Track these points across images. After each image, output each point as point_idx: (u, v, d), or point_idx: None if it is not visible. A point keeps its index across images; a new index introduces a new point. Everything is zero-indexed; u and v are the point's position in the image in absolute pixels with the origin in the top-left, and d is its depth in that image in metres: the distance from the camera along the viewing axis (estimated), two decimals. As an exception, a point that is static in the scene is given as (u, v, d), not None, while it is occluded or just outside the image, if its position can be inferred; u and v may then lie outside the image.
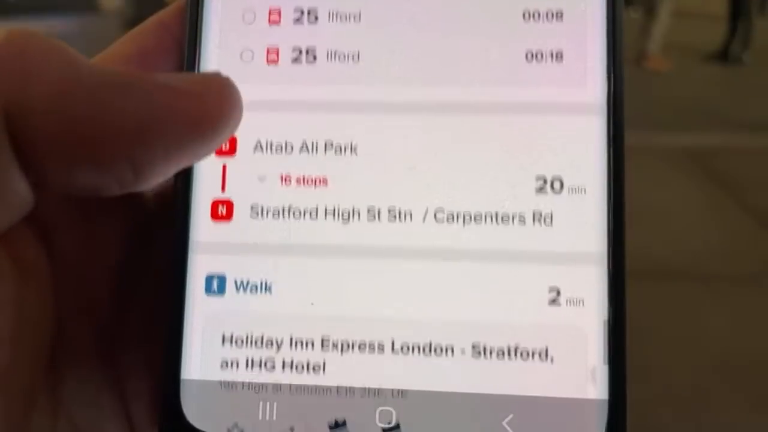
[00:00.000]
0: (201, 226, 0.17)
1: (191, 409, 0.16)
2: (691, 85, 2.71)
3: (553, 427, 0.16)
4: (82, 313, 0.16)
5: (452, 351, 0.16)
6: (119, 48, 0.16)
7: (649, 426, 0.90)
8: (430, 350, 0.16)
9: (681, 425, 0.93)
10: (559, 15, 0.17)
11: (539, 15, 0.17)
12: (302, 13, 0.17)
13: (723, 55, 3.19)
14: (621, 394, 0.16)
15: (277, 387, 0.16)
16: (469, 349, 0.16)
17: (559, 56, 0.17)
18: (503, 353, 0.16)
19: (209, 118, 0.13)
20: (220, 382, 0.16)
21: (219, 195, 0.17)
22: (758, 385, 1.01)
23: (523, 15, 0.17)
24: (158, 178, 0.13)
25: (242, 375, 0.16)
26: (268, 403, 0.16)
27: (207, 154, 0.13)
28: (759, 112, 2.29)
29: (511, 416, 0.16)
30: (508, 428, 0.16)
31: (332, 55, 0.17)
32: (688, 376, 1.02)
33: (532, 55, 0.17)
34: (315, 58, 0.17)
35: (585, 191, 0.16)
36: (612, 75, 0.16)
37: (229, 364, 0.16)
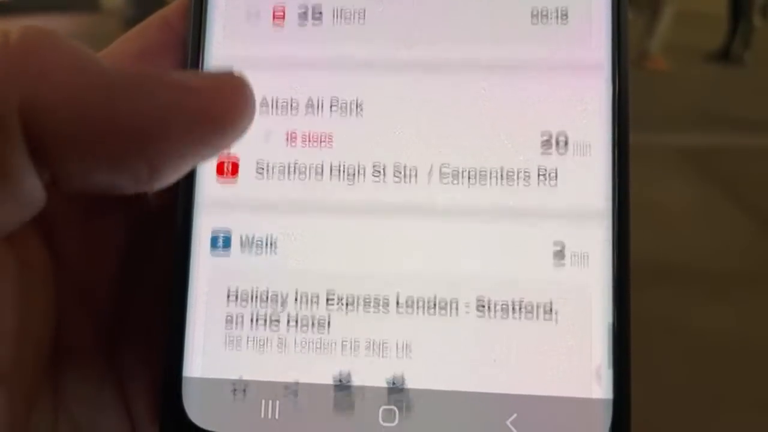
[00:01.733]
0: (206, 183, 0.17)
1: (193, 407, 0.16)
2: (691, 85, 2.71)
3: (558, 425, 0.16)
4: (83, 311, 0.16)
5: (457, 306, 0.16)
6: (121, 46, 0.16)
7: (649, 425, 0.90)
8: (435, 305, 0.16)
9: (680, 424, 0.93)
10: None
11: None
12: None
13: (724, 55, 3.19)
14: (625, 393, 0.16)
15: (282, 342, 0.16)
16: (473, 304, 0.16)
17: (564, 15, 0.17)
18: (507, 308, 0.16)
19: (224, 114, 0.13)
20: (225, 338, 0.16)
21: (224, 152, 0.17)
22: (759, 384, 1.00)
23: None
24: (174, 176, 0.13)
25: (247, 331, 0.16)
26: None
27: (222, 150, 0.14)
28: (760, 112, 2.29)
29: (515, 415, 0.16)
30: (512, 428, 0.16)
31: (338, 13, 0.17)
32: (688, 375, 1.02)
33: (538, 13, 0.17)
34: (320, 15, 0.17)
35: (590, 148, 0.16)
36: (617, 33, 0.17)
37: (234, 321, 0.16)
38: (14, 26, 0.12)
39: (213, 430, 0.16)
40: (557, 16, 0.17)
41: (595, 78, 0.17)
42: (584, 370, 0.16)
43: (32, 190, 0.12)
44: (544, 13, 0.17)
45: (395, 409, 0.16)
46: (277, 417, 0.16)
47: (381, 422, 0.16)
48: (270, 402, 0.16)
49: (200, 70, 0.17)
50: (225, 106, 0.13)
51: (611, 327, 0.16)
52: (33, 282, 0.14)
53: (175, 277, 0.17)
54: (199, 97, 0.13)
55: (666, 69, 2.93)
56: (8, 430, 0.13)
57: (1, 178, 0.11)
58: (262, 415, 0.16)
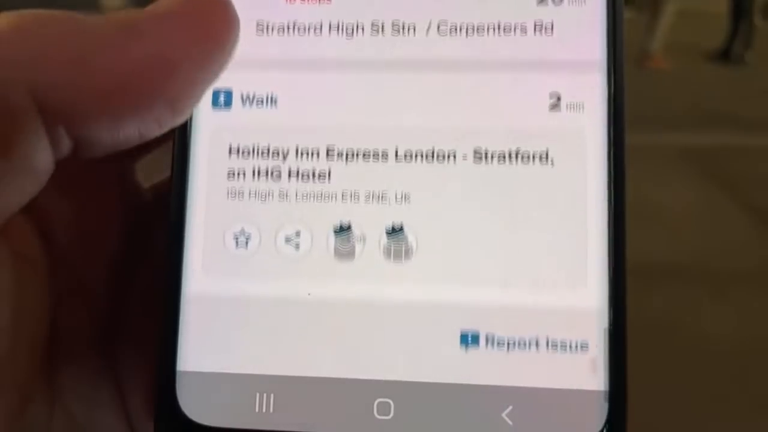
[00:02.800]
0: None
1: (188, 402, 0.16)
2: (693, 85, 2.71)
3: (554, 417, 0.16)
4: (78, 305, 0.16)
5: (454, 156, 0.16)
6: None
7: (649, 425, 0.90)
8: (434, 156, 0.17)
9: (681, 424, 0.93)
10: None
11: None
12: None
13: (725, 55, 3.19)
14: (622, 385, 0.16)
15: (284, 194, 0.17)
16: (471, 155, 0.16)
17: None
18: (504, 156, 0.16)
19: (220, 33, 0.13)
20: (227, 191, 0.17)
21: None
22: (760, 383, 1.00)
23: None
24: (191, 107, 0.13)
25: (249, 183, 0.17)
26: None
27: (224, 67, 0.14)
28: (761, 111, 2.29)
29: (510, 408, 0.16)
30: (508, 420, 0.16)
31: None
32: (688, 374, 1.02)
33: None
34: None
35: (584, 0, 0.17)
36: None
37: (236, 174, 0.17)
38: (18, 13, 0.12)
39: (208, 424, 0.16)
40: None
41: None
42: (579, 174, 0.16)
43: (41, 162, 0.12)
44: None
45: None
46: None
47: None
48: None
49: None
50: (217, 24, 0.13)
51: (608, 322, 0.16)
52: (27, 275, 0.14)
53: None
54: (195, 23, 0.13)
55: (667, 68, 2.93)
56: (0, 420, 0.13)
57: (18, 158, 0.12)
58: (257, 408, 0.16)
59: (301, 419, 0.16)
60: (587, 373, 0.16)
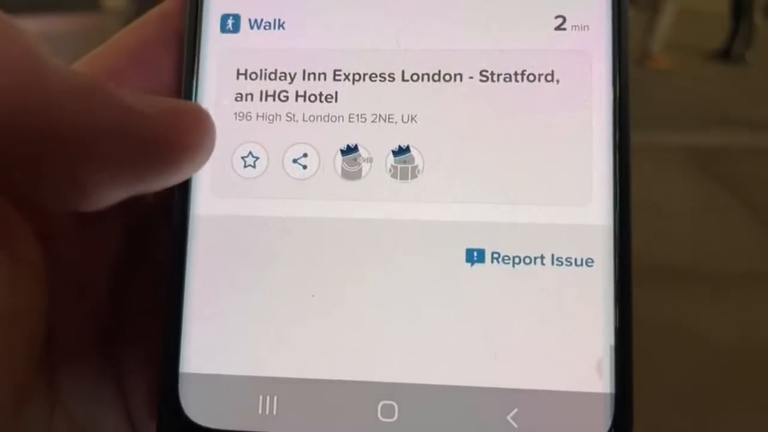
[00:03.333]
0: None
1: (191, 404, 0.16)
2: (693, 84, 2.71)
3: (559, 420, 0.16)
4: (80, 309, 0.15)
5: (461, 77, 0.17)
6: (119, 40, 0.16)
7: (651, 425, 0.90)
8: (439, 77, 0.17)
9: (681, 424, 0.93)
10: None
11: None
12: None
13: (725, 54, 3.19)
14: (627, 387, 0.16)
15: (291, 115, 0.17)
16: (477, 75, 0.17)
17: None
18: (510, 76, 0.17)
19: (173, 145, 0.12)
20: (235, 114, 0.17)
21: None
22: (761, 384, 1.00)
23: None
24: (105, 201, 0.12)
25: (256, 105, 0.17)
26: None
27: (166, 184, 0.13)
28: (761, 111, 2.29)
29: (515, 410, 0.16)
30: (513, 423, 0.16)
31: None
32: (690, 374, 1.02)
33: None
34: None
35: None
36: None
37: (243, 97, 0.17)
38: None
39: (211, 426, 0.16)
40: None
41: None
42: (584, 92, 0.16)
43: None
44: None
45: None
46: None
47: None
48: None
49: (196, 62, 0.17)
50: (176, 136, 0.12)
51: (614, 322, 0.16)
52: (25, 276, 0.13)
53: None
54: (146, 124, 0.12)
55: (668, 68, 2.93)
56: None
57: None
58: (260, 410, 0.16)
59: (305, 422, 0.16)
60: (593, 375, 0.16)
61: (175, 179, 0.13)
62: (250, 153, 0.17)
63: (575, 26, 0.17)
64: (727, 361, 1.06)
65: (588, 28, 0.17)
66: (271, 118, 0.17)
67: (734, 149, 1.98)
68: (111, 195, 0.12)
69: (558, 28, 0.17)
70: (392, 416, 0.16)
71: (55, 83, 0.11)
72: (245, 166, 0.17)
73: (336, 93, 0.17)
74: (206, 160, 0.13)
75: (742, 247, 1.44)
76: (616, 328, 0.16)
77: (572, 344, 0.16)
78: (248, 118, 0.17)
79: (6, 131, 0.11)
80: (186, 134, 0.12)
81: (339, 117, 0.17)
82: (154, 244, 0.17)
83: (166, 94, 0.16)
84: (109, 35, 0.17)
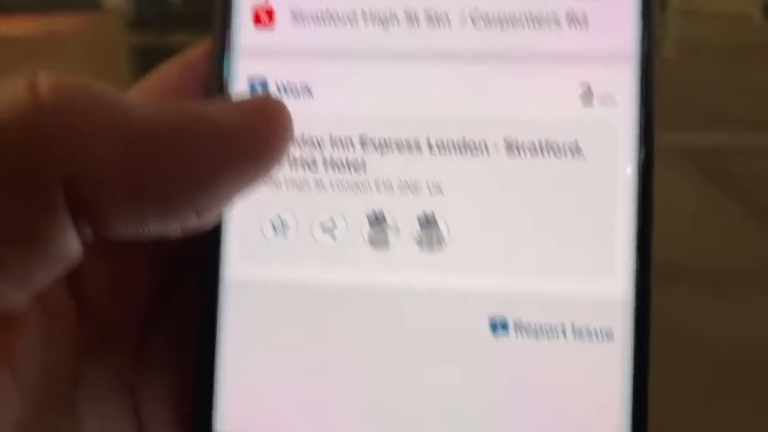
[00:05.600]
0: (242, 31, 0.17)
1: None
2: (693, 84, 2.71)
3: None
4: (105, 349, 0.15)
5: (485, 146, 0.17)
6: (142, 89, 0.16)
7: (652, 425, 0.90)
8: (464, 146, 0.17)
9: (681, 424, 0.93)
10: None
11: None
12: None
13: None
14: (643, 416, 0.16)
15: (319, 183, 0.17)
16: (501, 145, 0.17)
17: None
18: (535, 148, 0.17)
19: (266, 149, 0.13)
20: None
21: (260, 1, 0.17)
22: (762, 384, 1.00)
23: None
24: (220, 214, 0.13)
25: (285, 173, 0.17)
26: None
27: (264, 180, 0.13)
28: (761, 111, 2.29)
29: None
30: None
31: None
32: (690, 375, 1.02)
33: None
34: None
35: None
36: None
37: None
38: (54, 78, 0.11)
39: None
40: None
41: None
42: (609, 167, 0.16)
43: (71, 251, 0.12)
44: None
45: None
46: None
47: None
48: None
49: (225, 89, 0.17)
50: (266, 141, 0.13)
51: (632, 395, 0.16)
52: (57, 332, 0.13)
53: None
54: (242, 137, 0.13)
55: (668, 68, 2.92)
56: None
57: (42, 245, 0.11)
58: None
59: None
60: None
61: (271, 172, 0.13)
62: (280, 219, 0.17)
63: (601, 96, 0.17)
64: (726, 361, 1.06)
65: (614, 99, 0.16)
66: (300, 185, 0.17)
67: (734, 149, 1.98)
68: (226, 206, 0.13)
69: (583, 98, 0.17)
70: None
71: (152, 131, 0.12)
72: (275, 233, 0.17)
73: (363, 160, 0.17)
74: (290, 142, 0.13)
75: (741, 247, 1.44)
76: (633, 402, 0.16)
77: (591, 415, 0.16)
78: (278, 185, 0.17)
79: (126, 190, 0.12)
80: (275, 129, 0.13)
81: (366, 185, 0.17)
82: (179, 294, 0.17)
83: None
84: (108, 35, 0.17)
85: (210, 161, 0.12)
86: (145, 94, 0.16)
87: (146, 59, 2.61)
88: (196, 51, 0.17)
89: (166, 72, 0.17)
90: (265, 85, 0.17)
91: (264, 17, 0.17)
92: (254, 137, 0.13)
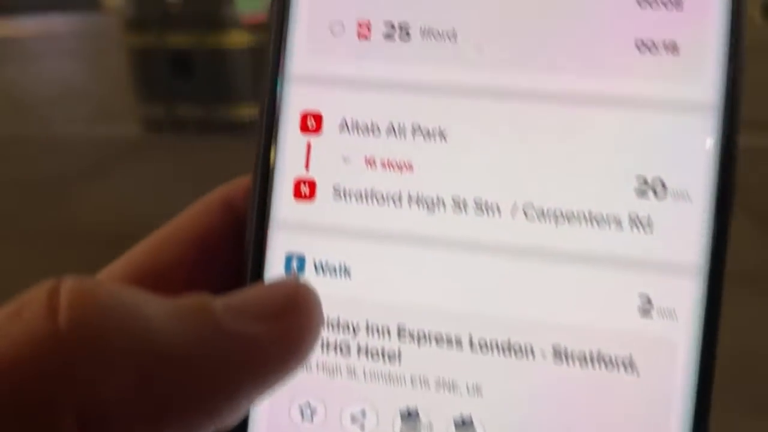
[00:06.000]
0: (283, 204, 0.17)
1: None
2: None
3: None
4: None
5: (532, 351, 0.15)
6: (181, 227, 0.16)
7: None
8: (509, 349, 0.16)
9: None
10: (677, 3, 0.15)
11: (656, 1, 0.15)
12: None
13: None
14: None
15: (352, 370, 0.16)
16: (549, 351, 0.15)
17: (673, 48, 0.15)
18: (585, 359, 0.15)
19: (293, 357, 0.12)
20: None
21: (302, 174, 0.17)
22: (758, 386, 1.00)
23: (638, 0, 0.15)
24: (239, 419, 0.13)
25: (317, 357, 0.16)
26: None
27: (287, 381, 0.13)
28: (760, 111, 2.29)
29: None
30: None
31: (427, 32, 0.16)
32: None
33: (644, 45, 0.15)
34: (408, 34, 0.16)
35: (689, 197, 0.15)
36: (730, 72, 0.15)
37: None
38: (65, 287, 0.11)
39: None
40: (665, 47, 0.15)
41: (703, 119, 0.15)
42: (665, 387, 0.15)
43: None
44: (651, 42, 0.15)
45: None
46: None
47: None
48: None
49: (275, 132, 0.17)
50: (294, 350, 0.12)
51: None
52: None
53: None
54: (269, 349, 0.12)
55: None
56: None
57: None
58: None
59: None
60: None
61: (296, 372, 0.13)
62: (309, 405, 0.16)
63: (661, 309, 0.15)
64: (726, 362, 1.05)
65: (675, 313, 0.15)
66: (331, 370, 0.16)
67: (733, 150, 1.99)
68: (245, 411, 0.12)
69: (642, 309, 0.15)
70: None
71: (171, 351, 0.11)
72: (302, 418, 0.16)
73: (399, 352, 0.16)
74: (320, 335, 0.13)
75: (741, 247, 1.44)
76: None
77: None
78: (308, 368, 0.16)
79: (144, 416, 0.11)
80: (302, 329, 0.12)
81: (401, 378, 0.16)
82: None
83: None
84: (108, 35, 0.17)
85: (233, 377, 0.12)
86: (182, 236, 0.16)
87: (145, 60, 2.61)
88: (235, 187, 0.17)
89: (206, 211, 0.16)
90: (303, 262, 0.16)
91: (305, 191, 0.16)
92: (281, 348, 0.12)
